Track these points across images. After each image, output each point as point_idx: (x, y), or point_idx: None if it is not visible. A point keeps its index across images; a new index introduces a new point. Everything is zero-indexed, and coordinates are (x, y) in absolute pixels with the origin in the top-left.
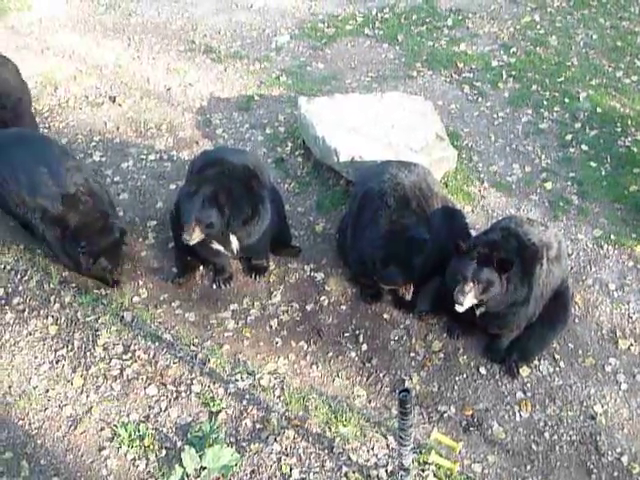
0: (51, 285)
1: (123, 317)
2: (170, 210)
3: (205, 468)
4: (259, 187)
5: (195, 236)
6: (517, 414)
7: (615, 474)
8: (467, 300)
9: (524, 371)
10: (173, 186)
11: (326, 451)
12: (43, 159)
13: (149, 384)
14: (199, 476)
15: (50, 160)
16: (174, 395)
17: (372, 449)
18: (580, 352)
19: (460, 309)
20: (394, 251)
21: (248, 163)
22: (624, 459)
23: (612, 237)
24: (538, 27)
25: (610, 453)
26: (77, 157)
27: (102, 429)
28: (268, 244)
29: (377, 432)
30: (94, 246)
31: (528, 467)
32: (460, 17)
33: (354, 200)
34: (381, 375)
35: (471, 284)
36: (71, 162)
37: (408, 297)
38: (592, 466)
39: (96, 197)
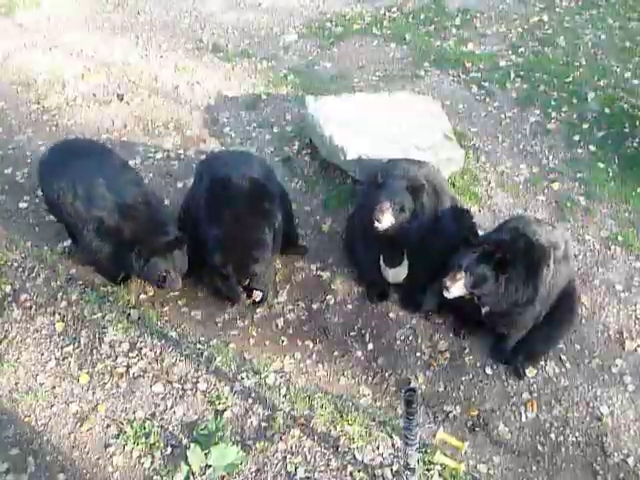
0: (58, 282)
1: (129, 315)
2: (178, 210)
3: (210, 466)
4: (271, 204)
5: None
6: (523, 415)
7: (621, 476)
8: (454, 288)
9: (530, 372)
10: (180, 184)
11: (331, 450)
12: (101, 170)
13: (155, 382)
14: (204, 474)
15: (108, 171)
16: (180, 393)
17: (377, 448)
18: (586, 353)
19: (447, 295)
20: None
21: (256, 176)
22: (630, 461)
23: (619, 238)
24: (546, 27)
25: (616, 454)
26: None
27: (108, 426)
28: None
29: (382, 431)
30: (147, 247)
31: (534, 468)
32: (468, 17)
33: (361, 197)
34: (387, 374)
35: (462, 274)
36: (130, 175)
37: None
38: (598, 467)
39: (152, 207)
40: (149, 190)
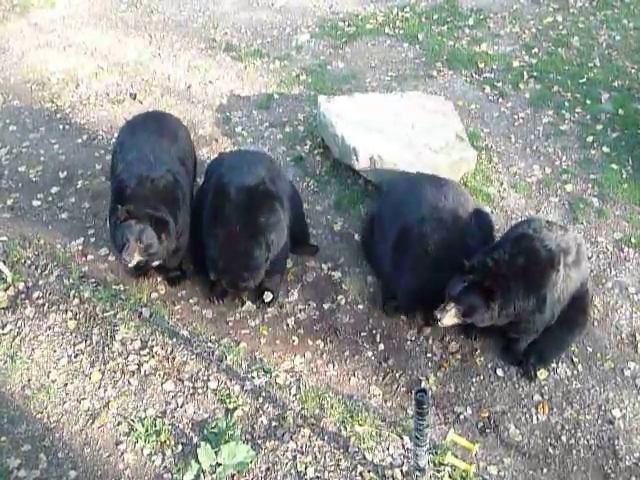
0: (70, 280)
1: (141, 313)
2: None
3: (220, 464)
4: (269, 212)
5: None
6: (534, 417)
7: (633, 479)
8: (446, 319)
9: (542, 374)
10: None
11: (341, 450)
12: (154, 148)
13: (166, 380)
14: (214, 472)
15: (158, 151)
16: (191, 391)
17: (387, 449)
18: (599, 355)
19: (441, 325)
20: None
21: (258, 181)
22: None
23: (633, 240)
24: (560, 28)
25: (628, 458)
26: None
27: (119, 424)
28: (285, 267)
29: (393, 432)
30: (126, 211)
31: (544, 470)
32: (481, 17)
33: (389, 223)
34: (397, 375)
35: (452, 304)
36: (173, 163)
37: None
38: (609, 470)
39: (165, 190)
40: (184, 181)
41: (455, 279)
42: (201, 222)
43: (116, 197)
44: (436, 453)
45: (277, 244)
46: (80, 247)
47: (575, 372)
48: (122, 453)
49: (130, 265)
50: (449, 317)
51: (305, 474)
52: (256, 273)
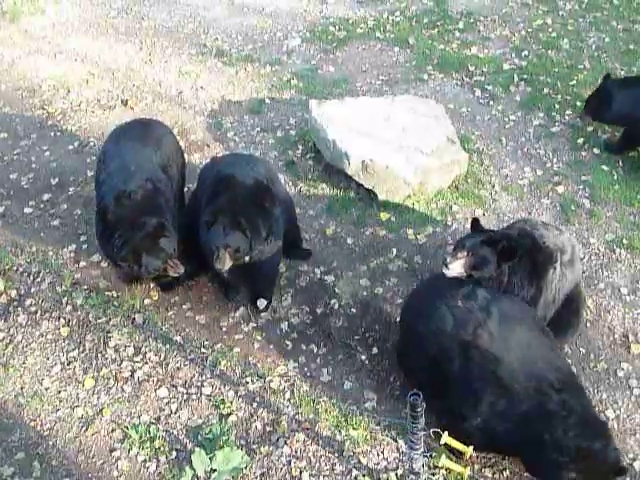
0: (63, 287)
1: (134, 319)
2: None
3: (215, 470)
4: (271, 204)
5: (227, 263)
6: None
7: (627, 479)
8: (455, 265)
9: None
10: (184, 188)
11: (336, 454)
12: (134, 158)
13: (160, 386)
14: (209, 478)
15: (144, 162)
16: (185, 397)
17: (382, 452)
18: (592, 357)
19: (447, 273)
20: None
21: (259, 176)
22: (636, 465)
23: (624, 241)
24: (550, 30)
25: (622, 458)
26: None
27: (113, 430)
28: (278, 272)
29: (387, 435)
30: (133, 249)
31: None
32: (471, 20)
33: None
34: (391, 378)
35: (465, 253)
36: (154, 171)
37: None
38: None
39: (147, 199)
40: (165, 188)
41: (470, 234)
42: (195, 225)
43: (102, 217)
44: (431, 456)
45: (275, 236)
46: (72, 254)
47: None
48: (116, 460)
49: (182, 272)
50: (457, 265)
51: (300, 479)
52: (259, 242)
